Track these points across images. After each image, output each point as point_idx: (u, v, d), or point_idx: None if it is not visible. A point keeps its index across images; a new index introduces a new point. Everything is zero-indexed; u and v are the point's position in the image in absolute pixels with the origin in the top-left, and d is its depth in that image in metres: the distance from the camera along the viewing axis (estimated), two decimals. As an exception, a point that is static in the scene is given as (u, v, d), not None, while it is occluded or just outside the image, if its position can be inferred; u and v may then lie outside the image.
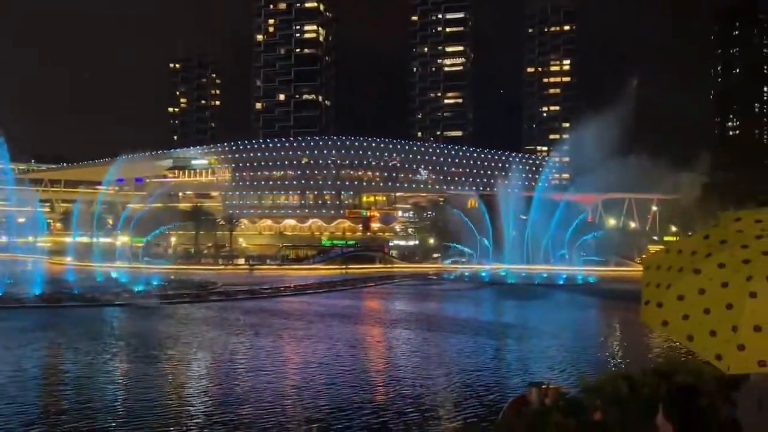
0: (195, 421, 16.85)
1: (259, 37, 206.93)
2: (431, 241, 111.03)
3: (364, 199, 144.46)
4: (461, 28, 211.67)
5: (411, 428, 16.23)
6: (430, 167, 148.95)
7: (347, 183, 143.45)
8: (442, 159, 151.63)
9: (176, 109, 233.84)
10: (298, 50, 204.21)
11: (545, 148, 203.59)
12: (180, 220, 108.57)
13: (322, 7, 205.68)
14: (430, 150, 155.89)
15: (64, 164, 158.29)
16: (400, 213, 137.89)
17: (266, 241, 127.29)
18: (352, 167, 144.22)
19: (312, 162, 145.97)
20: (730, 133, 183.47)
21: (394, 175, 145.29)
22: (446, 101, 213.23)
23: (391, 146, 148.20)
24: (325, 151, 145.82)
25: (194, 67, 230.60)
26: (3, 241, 76.76)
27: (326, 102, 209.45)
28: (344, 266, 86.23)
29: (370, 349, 30.21)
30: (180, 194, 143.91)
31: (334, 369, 23.86)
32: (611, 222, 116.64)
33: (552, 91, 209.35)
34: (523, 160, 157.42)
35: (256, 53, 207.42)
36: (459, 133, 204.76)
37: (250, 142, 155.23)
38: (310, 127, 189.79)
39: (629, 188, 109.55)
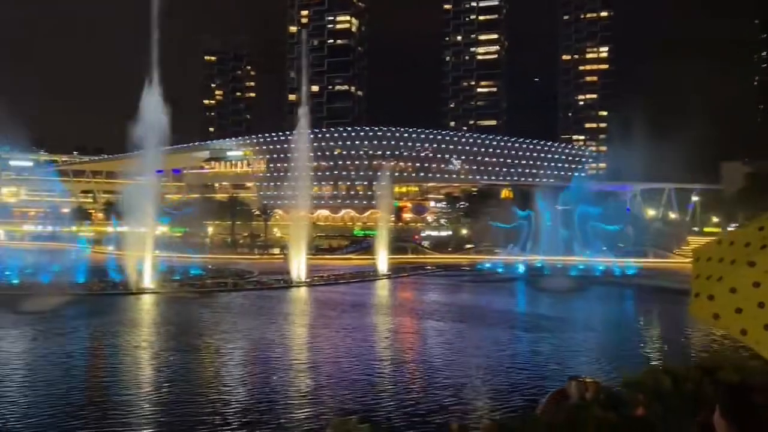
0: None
1: (293, 29, 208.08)
2: (464, 231, 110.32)
3: (396, 189, 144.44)
4: (495, 16, 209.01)
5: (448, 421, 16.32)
6: (462, 157, 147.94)
7: (379, 173, 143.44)
8: (475, 149, 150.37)
9: (212, 101, 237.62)
10: (330, 41, 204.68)
11: (582, 137, 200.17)
12: (216, 210, 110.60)
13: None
14: (463, 140, 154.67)
15: (105, 156, 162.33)
16: (432, 203, 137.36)
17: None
18: (384, 158, 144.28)
19: (344, 152, 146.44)
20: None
21: (426, 165, 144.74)
22: (479, 90, 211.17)
23: (423, 136, 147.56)
24: (357, 142, 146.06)
25: (230, 59, 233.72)
26: (47, 230, 79.39)
27: (359, 93, 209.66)
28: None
29: (405, 342, 30.40)
30: (216, 185, 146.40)
31: (368, 361, 24.06)
32: (650, 212, 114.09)
33: (588, 78, 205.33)
34: (559, 150, 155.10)
35: (290, 45, 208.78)
36: (492, 123, 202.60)
37: (285, 134, 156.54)
38: (343, 117, 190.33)
39: (669, 178, 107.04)
